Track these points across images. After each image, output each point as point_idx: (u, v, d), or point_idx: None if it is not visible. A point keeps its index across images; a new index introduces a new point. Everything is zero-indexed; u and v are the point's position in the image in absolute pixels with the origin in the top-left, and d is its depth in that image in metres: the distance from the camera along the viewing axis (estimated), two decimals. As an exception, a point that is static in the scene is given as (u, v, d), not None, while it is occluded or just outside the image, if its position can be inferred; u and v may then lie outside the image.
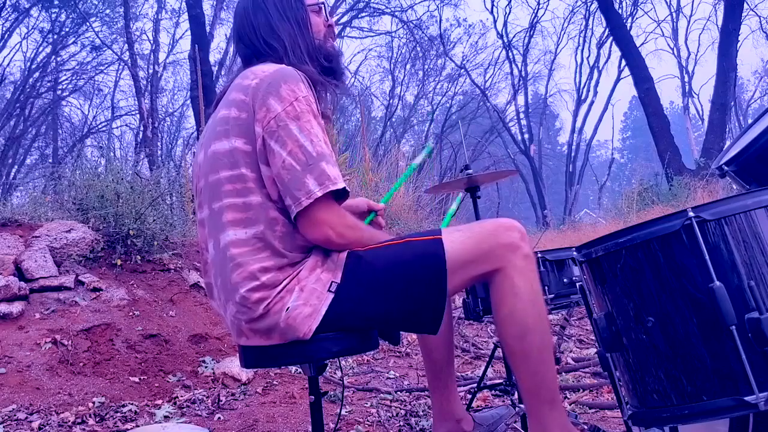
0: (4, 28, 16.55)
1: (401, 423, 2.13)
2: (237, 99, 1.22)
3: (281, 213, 1.19)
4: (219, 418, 2.20)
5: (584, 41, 23.64)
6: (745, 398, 0.88)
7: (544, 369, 1.19)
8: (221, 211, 1.20)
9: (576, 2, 22.34)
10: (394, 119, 23.51)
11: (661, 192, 9.67)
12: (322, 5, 1.40)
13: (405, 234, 1.26)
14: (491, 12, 25.48)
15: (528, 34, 23.03)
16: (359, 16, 20.55)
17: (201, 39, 9.39)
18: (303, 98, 1.18)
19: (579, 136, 24.63)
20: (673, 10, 23.55)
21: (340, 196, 1.20)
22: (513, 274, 1.18)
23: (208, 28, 13.35)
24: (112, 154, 4.30)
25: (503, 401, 2.33)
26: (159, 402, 2.39)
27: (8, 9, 15.60)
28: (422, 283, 1.16)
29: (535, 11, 22.46)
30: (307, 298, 1.16)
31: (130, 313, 3.02)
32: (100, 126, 20.44)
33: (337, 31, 1.49)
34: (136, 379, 2.59)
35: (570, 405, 2.27)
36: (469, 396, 2.23)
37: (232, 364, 2.77)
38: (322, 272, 1.18)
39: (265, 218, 1.18)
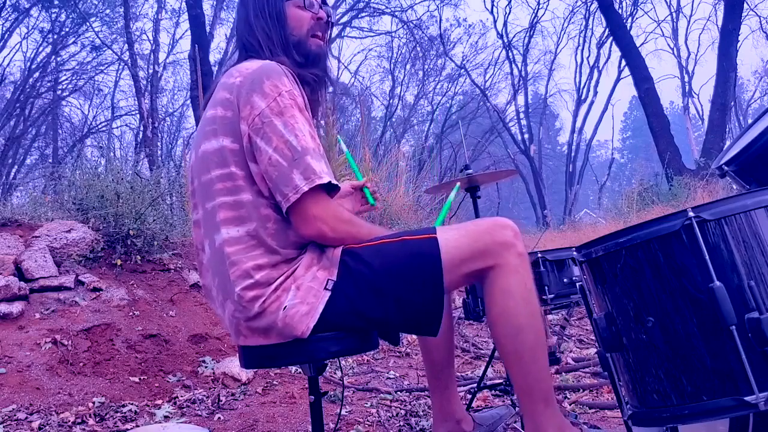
0: (4, 28, 16.56)
1: (401, 423, 2.13)
2: (222, 98, 1.22)
3: (273, 210, 1.19)
4: (219, 418, 2.20)
5: (584, 41, 23.66)
6: (745, 398, 0.88)
7: (536, 368, 1.19)
8: (215, 211, 1.20)
9: (576, 2, 22.35)
10: (394, 119, 23.49)
11: (661, 192, 9.67)
12: None
13: (401, 231, 1.25)
14: (491, 12, 25.44)
15: (528, 34, 23.04)
16: (359, 16, 20.53)
17: (201, 39, 9.39)
18: (286, 92, 1.18)
19: (579, 136, 24.65)
20: (673, 10, 23.57)
21: (331, 189, 1.19)
22: (507, 272, 1.18)
23: (208, 28, 13.35)
24: (112, 154, 4.30)
25: (503, 401, 2.33)
26: (159, 402, 2.39)
27: (8, 9, 15.60)
28: (419, 286, 1.16)
29: (535, 11, 22.46)
30: (304, 296, 1.15)
31: (130, 313, 3.02)
32: (100, 126, 20.46)
33: (332, 25, 1.46)
34: (136, 379, 2.59)
35: (570, 405, 2.27)
36: (469, 396, 2.23)
37: (232, 364, 2.77)
38: (318, 270, 1.18)
39: (257, 216, 1.18)
